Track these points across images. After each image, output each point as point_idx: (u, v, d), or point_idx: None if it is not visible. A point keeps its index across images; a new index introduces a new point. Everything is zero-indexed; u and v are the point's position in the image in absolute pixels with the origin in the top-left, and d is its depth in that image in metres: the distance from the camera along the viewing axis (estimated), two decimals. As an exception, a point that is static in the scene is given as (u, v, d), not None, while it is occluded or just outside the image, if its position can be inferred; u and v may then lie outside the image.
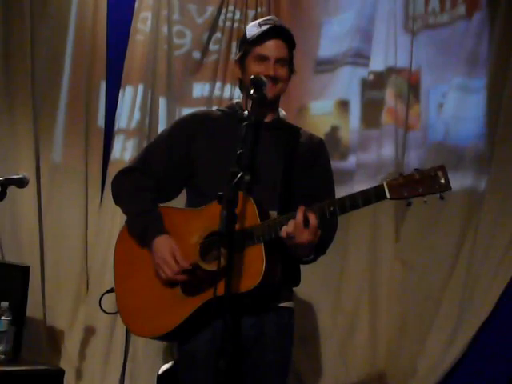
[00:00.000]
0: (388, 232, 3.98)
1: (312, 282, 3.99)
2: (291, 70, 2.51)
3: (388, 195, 2.13)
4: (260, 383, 2.39)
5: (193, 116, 2.63)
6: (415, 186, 2.11)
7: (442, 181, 2.09)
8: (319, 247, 2.34)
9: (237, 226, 2.09)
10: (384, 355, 3.88)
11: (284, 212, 2.30)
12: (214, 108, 2.74)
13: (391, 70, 4.08)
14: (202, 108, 4.27)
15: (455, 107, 3.87)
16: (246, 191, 2.22)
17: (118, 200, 2.58)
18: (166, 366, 3.18)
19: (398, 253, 3.96)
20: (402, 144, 4.02)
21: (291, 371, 2.61)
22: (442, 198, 2.11)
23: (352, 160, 4.19)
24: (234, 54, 4.40)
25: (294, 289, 2.54)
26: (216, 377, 1.97)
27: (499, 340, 3.57)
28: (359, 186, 4.02)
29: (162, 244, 2.38)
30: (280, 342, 2.42)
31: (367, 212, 3.98)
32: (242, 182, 2.06)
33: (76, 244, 4.25)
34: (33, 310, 3.93)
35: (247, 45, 2.48)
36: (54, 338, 4.15)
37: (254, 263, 2.21)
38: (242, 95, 2.63)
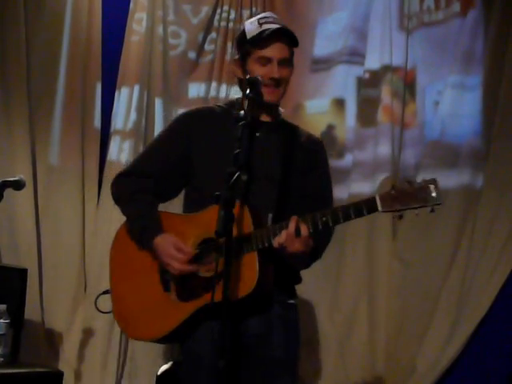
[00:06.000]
0: (385, 230, 3.98)
1: (309, 282, 3.96)
2: (292, 67, 2.48)
3: (380, 208, 2.15)
4: (268, 382, 2.37)
5: (193, 113, 2.58)
6: (407, 199, 2.13)
7: (434, 194, 2.10)
8: (313, 254, 2.35)
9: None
10: (383, 354, 3.88)
11: (279, 214, 2.31)
12: (215, 104, 2.65)
13: (387, 69, 4.07)
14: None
15: (451, 105, 3.87)
16: (243, 191, 2.22)
17: (118, 203, 2.57)
18: (165, 367, 3.18)
19: (395, 251, 3.96)
20: (399, 142, 4.02)
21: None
22: (432, 210, 2.12)
23: (348, 158, 4.18)
24: (230, 53, 4.40)
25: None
26: (217, 377, 1.99)
27: (498, 337, 3.58)
28: (356, 184, 4.03)
29: (163, 241, 2.37)
30: (288, 339, 2.41)
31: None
32: (240, 182, 2.05)
33: (73, 246, 4.25)
34: (31, 312, 3.93)
35: (248, 45, 2.43)
36: (52, 340, 4.14)
37: (248, 271, 2.21)
38: (242, 94, 2.59)
